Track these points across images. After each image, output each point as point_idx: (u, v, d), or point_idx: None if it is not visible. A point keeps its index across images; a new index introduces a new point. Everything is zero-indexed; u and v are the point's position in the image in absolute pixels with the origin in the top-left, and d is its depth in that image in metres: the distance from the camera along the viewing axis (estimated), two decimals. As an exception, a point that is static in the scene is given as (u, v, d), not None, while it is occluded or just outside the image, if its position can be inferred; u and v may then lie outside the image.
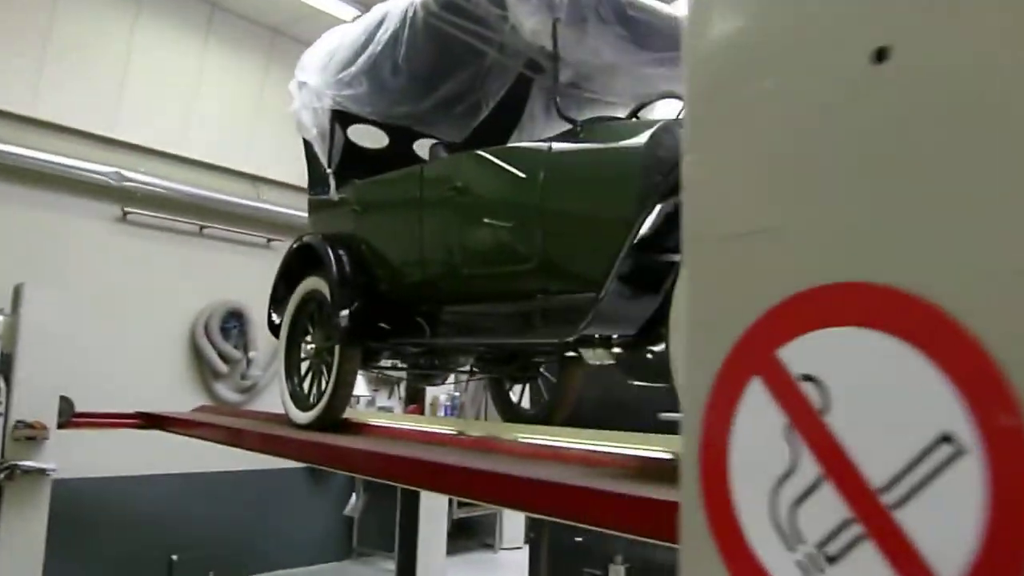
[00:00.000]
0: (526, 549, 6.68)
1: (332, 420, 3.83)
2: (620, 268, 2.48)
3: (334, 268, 3.74)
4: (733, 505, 1.03)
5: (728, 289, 1.08)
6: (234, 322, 8.28)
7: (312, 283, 3.99)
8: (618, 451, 2.90)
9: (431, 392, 7.91)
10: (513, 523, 9.65)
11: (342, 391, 3.77)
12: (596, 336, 2.57)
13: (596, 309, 2.47)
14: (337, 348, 3.72)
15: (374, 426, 4.18)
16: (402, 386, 8.34)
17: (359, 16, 3.99)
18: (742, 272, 1.06)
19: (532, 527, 6.26)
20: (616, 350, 3.00)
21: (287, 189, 8.40)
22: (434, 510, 6.60)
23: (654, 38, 3.23)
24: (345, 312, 3.64)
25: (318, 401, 3.86)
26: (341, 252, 3.80)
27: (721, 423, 1.06)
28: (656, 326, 2.47)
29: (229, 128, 8.18)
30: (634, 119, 3.26)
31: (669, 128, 2.68)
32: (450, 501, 7.58)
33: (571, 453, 2.90)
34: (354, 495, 9.10)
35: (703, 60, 1.15)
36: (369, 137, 4.25)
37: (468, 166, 3.30)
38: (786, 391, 0.99)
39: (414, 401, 7.06)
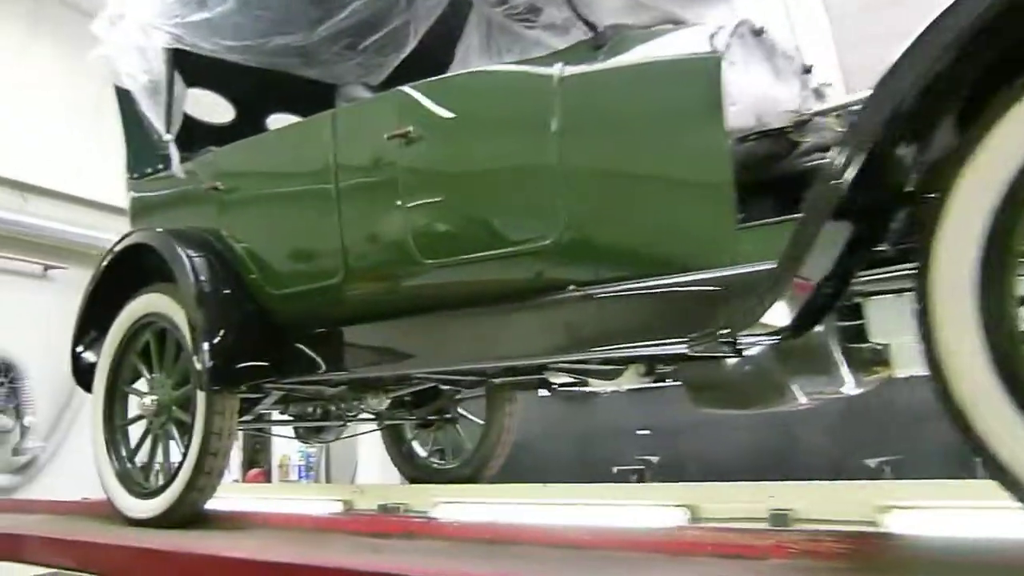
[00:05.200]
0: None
1: (193, 509, 2.71)
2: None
3: (190, 278, 2.66)
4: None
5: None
6: (1, 378, 6.90)
7: (149, 303, 2.90)
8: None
9: (277, 450, 6.32)
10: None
11: (210, 463, 2.57)
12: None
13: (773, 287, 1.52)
14: (199, 398, 2.62)
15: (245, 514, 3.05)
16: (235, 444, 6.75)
17: None
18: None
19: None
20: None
21: (65, 200, 6.83)
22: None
23: None
24: (211, 343, 2.55)
25: (170, 481, 2.66)
26: (198, 254, 2.73)
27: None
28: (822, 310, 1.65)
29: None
30: None
31: (722, 32, 1.93)
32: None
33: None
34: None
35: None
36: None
37: (421, 103, 2.19)
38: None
39: (255, 464, 5.67)
